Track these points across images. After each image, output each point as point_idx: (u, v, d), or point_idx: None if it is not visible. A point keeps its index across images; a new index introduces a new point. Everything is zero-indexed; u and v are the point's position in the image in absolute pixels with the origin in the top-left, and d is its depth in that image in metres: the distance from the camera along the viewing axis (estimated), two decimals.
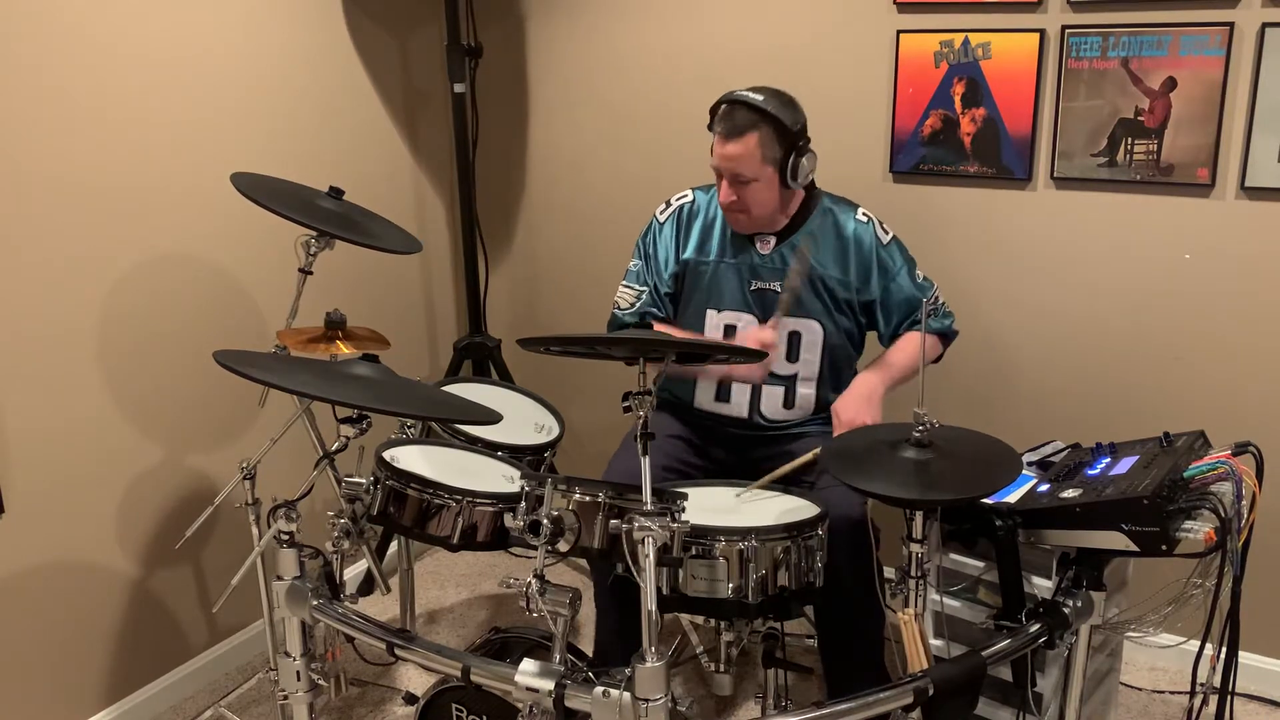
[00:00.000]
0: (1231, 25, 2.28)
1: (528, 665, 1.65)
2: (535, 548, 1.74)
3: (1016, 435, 2.03)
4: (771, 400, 2.36)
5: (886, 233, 2.36)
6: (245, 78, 2.60)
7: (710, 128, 2.26)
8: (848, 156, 2.69)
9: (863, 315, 2.38)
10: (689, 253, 2.38)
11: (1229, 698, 1.88)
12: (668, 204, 2.43)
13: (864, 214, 2.36)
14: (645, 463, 1.64)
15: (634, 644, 1.57)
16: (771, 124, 2.18)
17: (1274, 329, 2.40)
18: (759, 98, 2.19)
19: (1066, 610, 1.82)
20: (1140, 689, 2.60)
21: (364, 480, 1.98)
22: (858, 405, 2.22)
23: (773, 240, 2.33)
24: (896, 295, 2.35)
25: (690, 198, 2.42)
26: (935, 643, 1.98)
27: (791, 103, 2.23)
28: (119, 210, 2.35)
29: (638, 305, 2.41)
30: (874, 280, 2.34)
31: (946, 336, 2.45)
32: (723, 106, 2.22)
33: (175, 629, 2.62)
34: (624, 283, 2.44)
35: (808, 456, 2.17)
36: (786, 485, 2.17)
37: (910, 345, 2.36)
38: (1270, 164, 2.31)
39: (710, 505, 2.05)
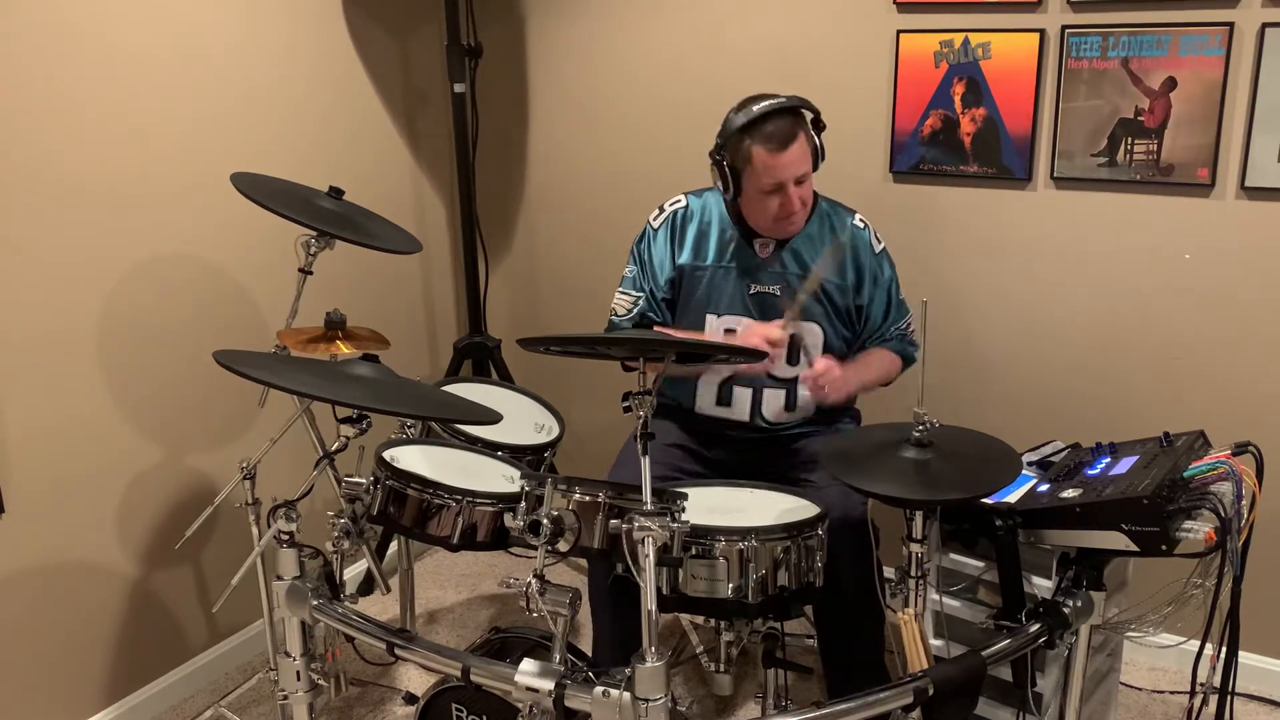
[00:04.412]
0: (1231, 25, 2.28)
1: (528, 665, 1.65)
2: (535, 548, 1.74)
3: (1016, 435, 2.03)
4: (773, 403, 2.36)
5: (879, 242, 2.37)
6: (245, 78, 2.60)
7: (719, 159, 2.23)
8: (848, 156, 2.69)
9: (857, 323, 2.38)
10: (684, 258, 2.37)
11: (1229, 698, 1.88)
12: (660, 210, 2.42)
13: (860, 220, 2.37)
14: (645, 462, 1.64)
15: (633, 644, 1.57)
16: (805, 117, 2.20)
17: (1274, 329, 2.40)
18: (780, 99, 2.18)
19: (1066, 610, 1.82)
20: (1140, 689, 2.60)
21: (364, 480, 1.98)
22: (836, 364, 2.23)
23: (772, 244, 2.33)
24: (876, 308, 2.36)
25: (683, 203, 2.41)
26: (935, 643, 1.98)
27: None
28: (119, 210, 2.35)
29: (635, 311, 2.40)
30: (866, 286, 2.34)
31: (906, 362, 2.45)
32: (742, 135, 2.17)
33: (175, 629, 2.62)
34: (620, 289, 2.43)
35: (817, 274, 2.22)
36: (789, 486, 2.17)
37: (882, 358, 2.38)
38: (1270, 164, 2.31)
39: (710, 505, 2.05)
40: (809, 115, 2.23)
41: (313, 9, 2.76)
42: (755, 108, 2.17)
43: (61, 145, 2.22)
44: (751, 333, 2.25)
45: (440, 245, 3.32)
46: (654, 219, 2.42)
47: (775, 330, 2.21)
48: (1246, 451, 1.84)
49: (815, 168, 2.26)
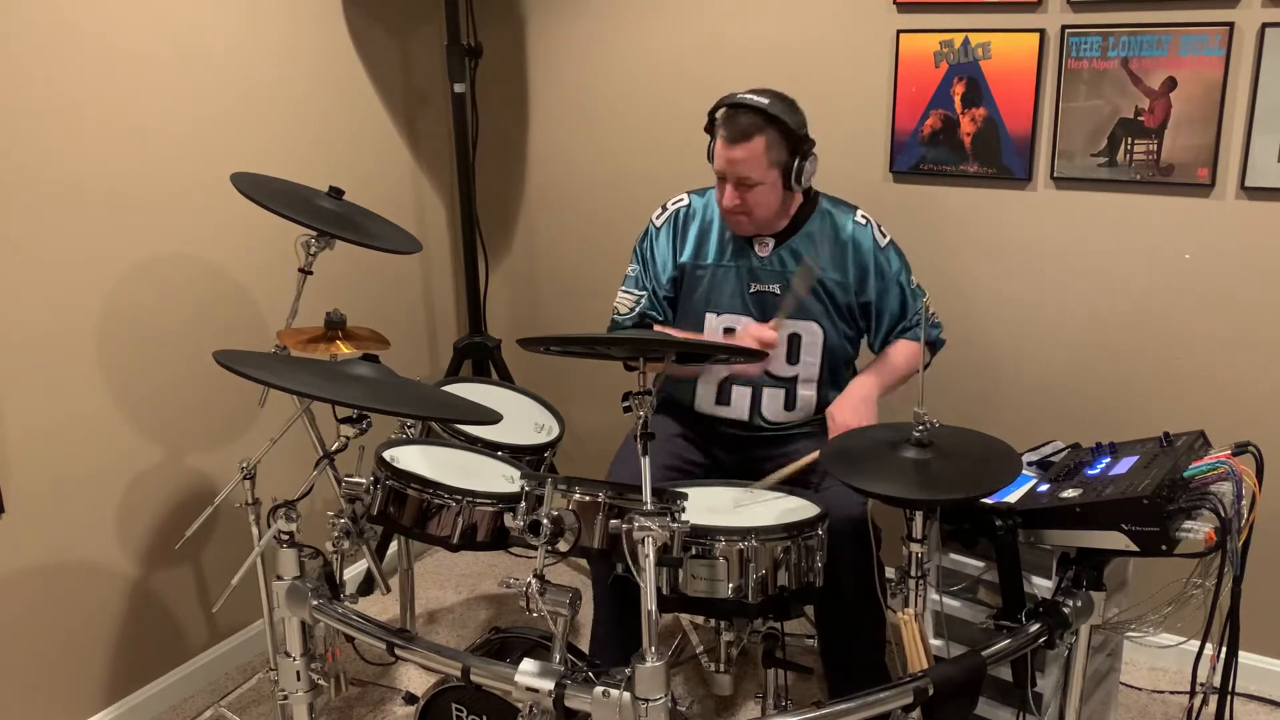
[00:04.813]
0: (1231, 25, 2.28)
1: (528, 665, 1.65)
2: (535, 548, 1.74)
3: (1016, 435, 2.03)
4: (772, 402, 2.36)
5: (884, 235, 2.36)
6: (245, 78, 2.60)
7: (708, 130, 2.26)
8: (848, 156, 2.69)
9: (861, 319, 2.38)
10: (686, 256, 2.38)
11: (1229, 698, 1.88)
12: (663, 209, 2.43)
13: (863, 216, 2.36)
14: (645, 463, 1.64)
15: (633, 644, 1.57)
16: (777, 127, 2.18)
17: (1274, 329, 2.40)
18: (764, 100, 2.17)
19: (1066, 610, 1.82)
20: (1140, 689, 2.60)
21: (364, 480, 1.98)
22: (853, 407, 2.22)
23: (771, 243, 2.33)
24: (890, 300, 2.35)
25: (686, 201, 2.42)
26: (935, 643, 1.98)
27: (794, 105, 2.23)
28: (119, 210, 2.35)
29: (637, 310, 2.40)
30: (871, 282, 2.34)
31: (935, 346, 2.45)
32: (723, 110, 2.21)
33: (175, 629, 2.62)
34: (623, 288, 2.44)
35: (807, 459, 2.17)
36: (789, 485, 2.17)
37: (904, 351, 2.36)
38: (1270, 164, 2.31)
39: (710, 505, 2.05)
40: (797, 136, 2.20)
41: (313, 9, 2.76)
42: (741, 94, 2.20)
43: (61, 145, 2.22)
44: (744, 334, 2.26)
45: (440, 245, 3.32)
46: (657, 217, 2.42)
47: (767, 331, 2.21)
48: (1246, 451, 1.84)
49: (788, 185, 2.23)
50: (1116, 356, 2.58)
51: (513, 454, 2.28)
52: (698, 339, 2.32)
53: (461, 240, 3.18)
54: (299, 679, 1.97)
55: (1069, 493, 1.86)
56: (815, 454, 2.16)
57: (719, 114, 2.22)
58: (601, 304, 2.52)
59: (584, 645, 2.47)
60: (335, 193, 2.37)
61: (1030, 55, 2.48)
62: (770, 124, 2.17)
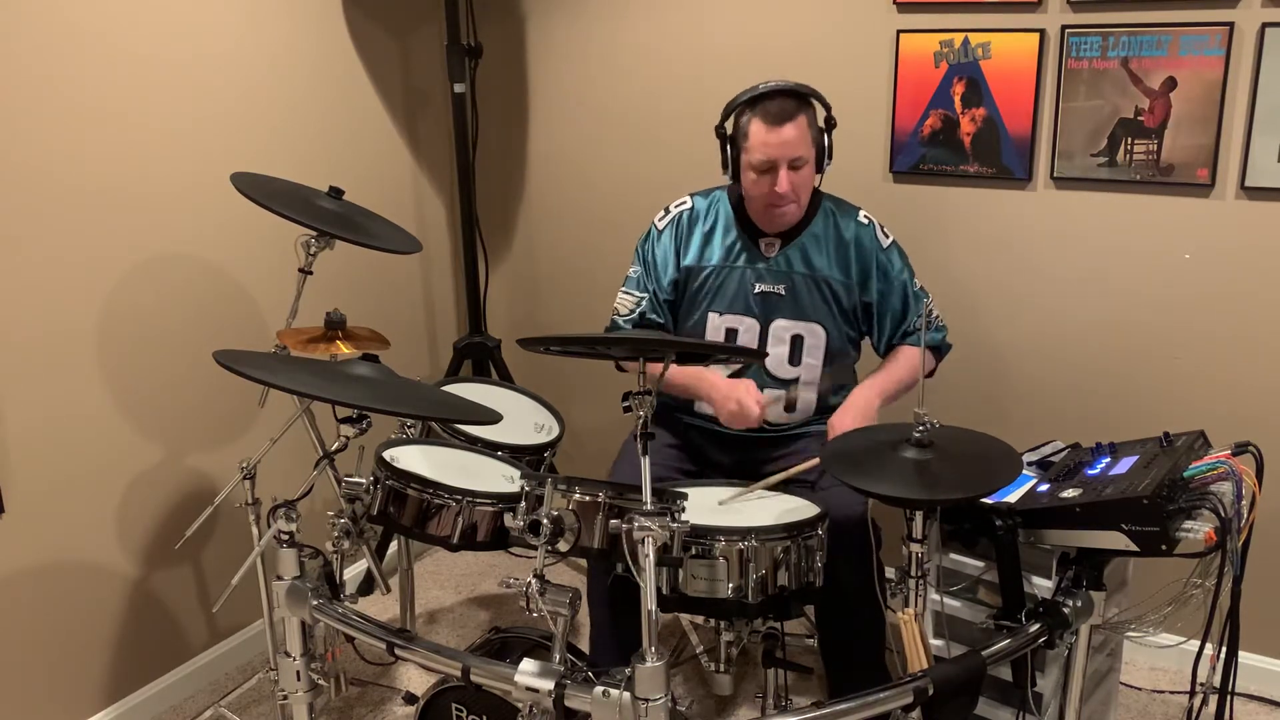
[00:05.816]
0: (1231, 25, 2.28)
1: (528, 665, 1.65)
2: (535, 548, 1.74)
3: (1016, 435, 2.03)
4: (773, 404, 2.36)
5: (887, 236, 2.36)
6: (245, 78, 2.60)
7: (721, 133, 2.26)
8: (848, 156, 2.68)
9: (864, 321, 2.37)
10: (689, 259, 2.37)
11: (1229, 698, 1.88)
12: (666, 211, 2.42)
13: (865, 216, 2.36)
14: (645, 462, 1.64)
15: (632, 644, 1.57)
16: (811, 105, 2.23)
17: (1274, 329, 2.40)
18: (790, 84, 2.21)
19: (1066, 610, 1.82)
20: (1140, 689, 2.60)
21: (364, 480, 1.98)
22: (854, 417, 2.22)
23: (778, 243, 2.33)
24: (892, 302, 2.35)
25: (689, 204, 2.41)
26: (935, 643, 1.98)
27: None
28: (119, 210, 2.35)
29: (637, 311, 2.40)
30: (873, 283, 2.33)
31: (940, 350, 2.44)
32: (751, 102, 2.21)
33: (175, 629, 2.62)
34: (623, 289, 2.43)
35: (807, 464, 2.16)
36: (789, 485, 2.17)
37: (906, 359, 2.36)
38: (1270, 164, 2.31)
39: (710, 505, 2.05)
40: (819, 109, 2.26)
41: (313, 9, 2.76)
42: (762, 85, 2.22)
43: (61, 145, 2.22)
44: (734, 396, 2.22)
45: (440, 245, 3.32)
46: (659, 220, 2.42)
47: (753, 409, 2.19)
48: (1246, 451, 1.84)
49: (820, 166, 2.27)
50: (1116, 356, 2.58)
51: (513, 454, 2.28)
52: (697, 340, 2.32)
53: (461, 240, 3.18)
54: (299, 679, 1.97)
55: (1069, 493, 1.86)
56: (812, 462, 2.16)
57: (748, 109, 2.22)
58: (601, 304, 2.52)
59: (584, 645, 2.46)
60: (335, 193, 2.37)
61: (1030, 55, 2.48)
62: (805, 102, 2.22)
